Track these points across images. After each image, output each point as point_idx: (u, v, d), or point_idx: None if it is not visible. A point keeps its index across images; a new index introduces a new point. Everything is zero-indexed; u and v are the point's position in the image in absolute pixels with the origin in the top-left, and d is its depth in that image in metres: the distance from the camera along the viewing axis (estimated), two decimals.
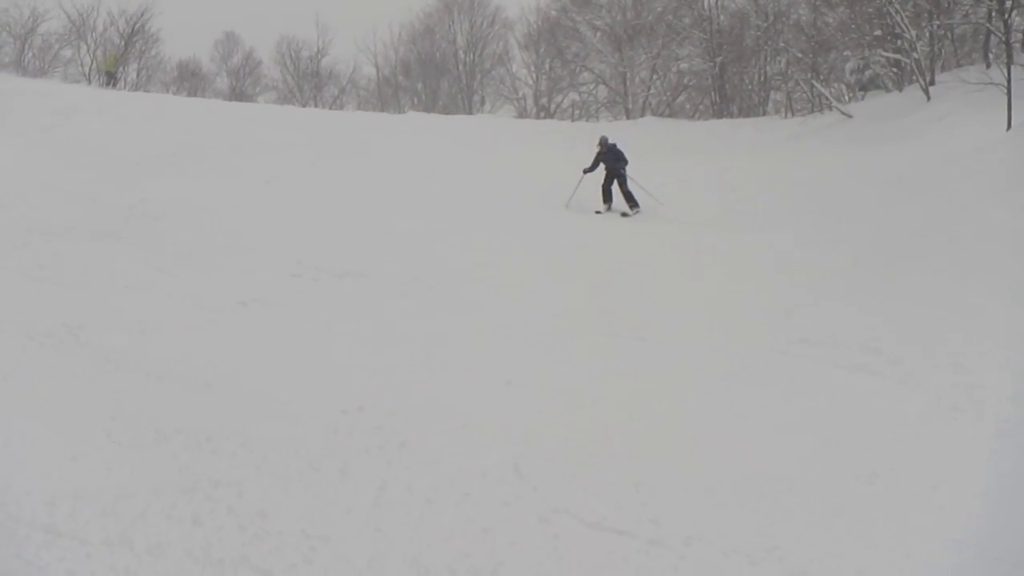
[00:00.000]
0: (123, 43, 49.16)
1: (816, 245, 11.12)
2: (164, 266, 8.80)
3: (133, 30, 51.16)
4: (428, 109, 39.80)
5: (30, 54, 51.95)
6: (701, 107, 33.01)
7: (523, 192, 14.89)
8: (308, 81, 52.11)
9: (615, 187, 15.62)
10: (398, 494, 4.68)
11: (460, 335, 7.80)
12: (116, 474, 4.48)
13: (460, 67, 46.50)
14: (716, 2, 31.29)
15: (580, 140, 19.63)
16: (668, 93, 34.36)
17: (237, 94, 49.49)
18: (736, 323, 8.53)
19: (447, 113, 36.41)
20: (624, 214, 15.24)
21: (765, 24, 28.28)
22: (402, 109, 40.52)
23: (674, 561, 4.21)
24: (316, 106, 46.14)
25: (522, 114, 41.62)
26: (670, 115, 31.80)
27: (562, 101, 41.51)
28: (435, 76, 46.89)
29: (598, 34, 35.60)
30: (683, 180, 16.42)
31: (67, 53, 53.08)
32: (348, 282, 9.13)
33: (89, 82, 41.52)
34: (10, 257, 8.11)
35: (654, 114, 31.54)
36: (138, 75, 49.88)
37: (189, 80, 51.12)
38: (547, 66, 41.72)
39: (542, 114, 40.33)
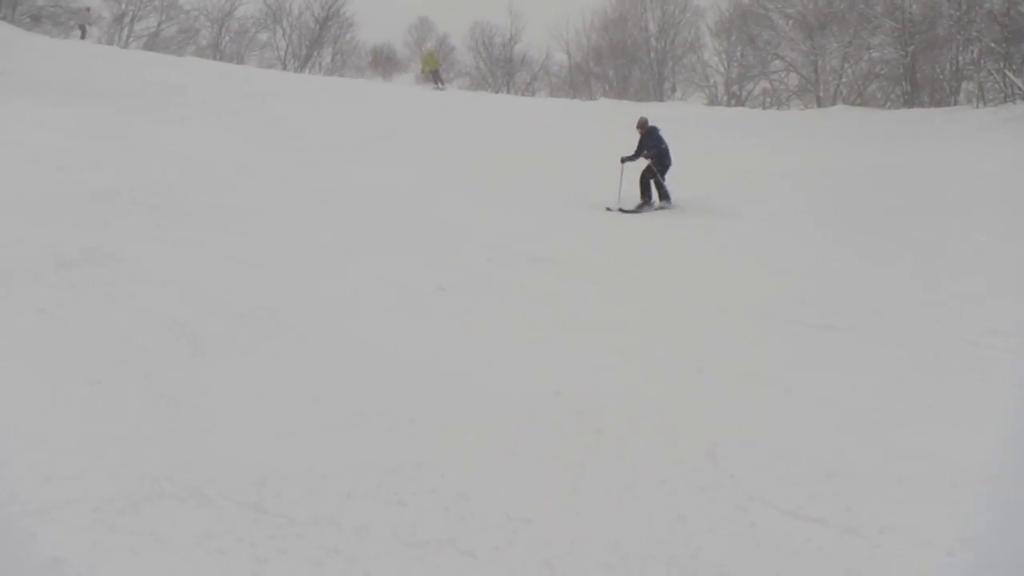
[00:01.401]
0: (318, 28, 52.67)
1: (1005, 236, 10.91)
2: (360, 250, 9.39)
3: (328, 15, 54.65)
4: (619, 96, 40.37)
5: (227, 38, 56.08)
6: (892, 96, 32.92)
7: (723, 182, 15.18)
8: (501, 67, 54.07)
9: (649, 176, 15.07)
10: (596, 479, 4.84)
11: (654, 322, 7.99)
12: (321, 455, 4.76)
13: (651, 54, 47.47)
14: None
15: (771, 129, 20.35)
16: (859, 82, 34.36)
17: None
18: (924, 311, 8.39)
19: (639, 100, 36.84)
20: (625, 210, 14.03)
21: (958, 13, 27.77)
22: (593, 96, 41.57)
23: (869, 550, 4.24)
24: (508, 92, 48.03)
25: (713, 101, 42.09)
26: (861, 104, 31.75)
27: (753, 89, 42.21)
28: (626, 63, 47.91)
29: (790, 22, 36.03)
30: (874, 168, 16.12)
31: (263, 37, 57.15)
32: (541, 268, 9.49)
33: (284, 67, 44.89)
34: (213, 239, 8.78)
35: (845, 103, 31.60)
36: (332, 60, 53.34)
37: (383, 65, 53.76)
38: (738, 53, 42.59)
39: (732, 101, 40.96)
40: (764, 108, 36.53)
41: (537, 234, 10.87)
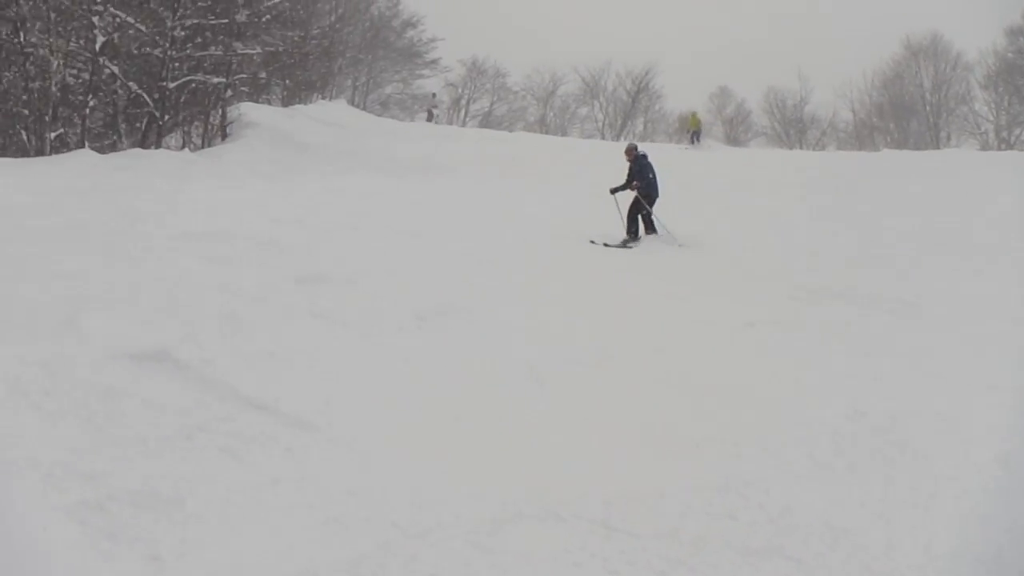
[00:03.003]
0: (630, 100, 60.55)
1: None
2: (678, 292, 10.58)
3: (639, 88, 62.90)
4: (900, 147, 48.01)
5: (551, 114, 64.97)
6: None
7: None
8: (793, 126, 63.95)
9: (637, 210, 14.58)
10: (903, 489, 5.27)
11: (945, 346, 8.54)
12: (657, 477, 5.23)
13: (927, 107, 57.95)
14: None
15: None
16: None
17: (731, 140, 59.88)
18: None
19: (917, 149, 42.86)
20: (608, 244, 14.12)
21: None
22: (877, 147, 48.61)
23: None
24: (800, 148, 56.70)
25: (984, 147, 49.82)
26: None
27: (1021, 134, 51.20)
28: (905, 116, 58.31)
29: None
30: None
31: (583, 111, 65.62)
32: (834, 303, 10.40)
33: (603, 137, 51.34)
34: (553, 289, 10.18)
35: None
36: (644, 128, 62.31)
37: (687, 131, 60.85)
38: (1006, 103, 52.67)
39: (1003, 146, 48.47)
40: None
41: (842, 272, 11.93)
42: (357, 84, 57.20)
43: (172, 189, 15.13)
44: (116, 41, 23.77)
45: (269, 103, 35.82)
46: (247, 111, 28.35)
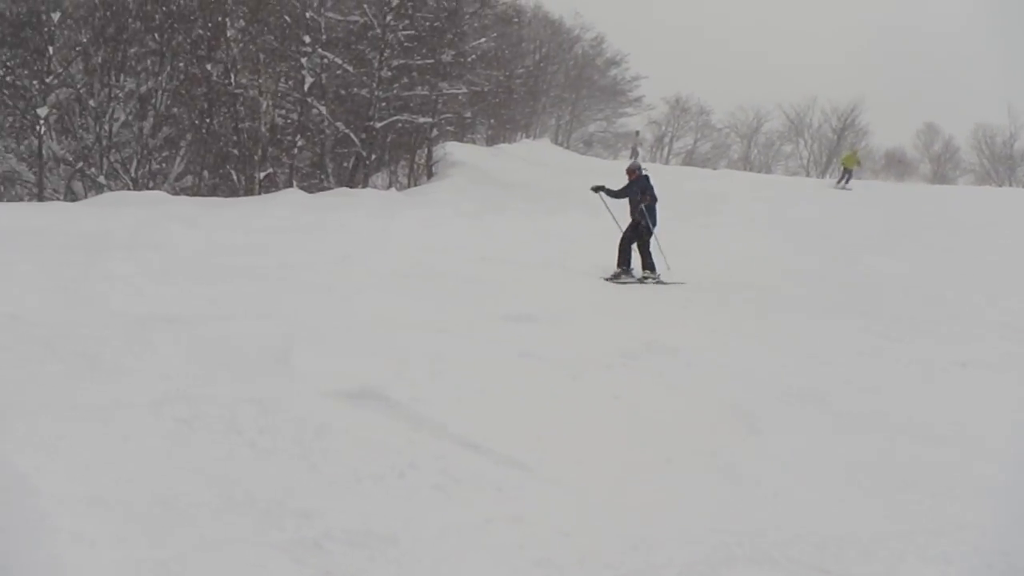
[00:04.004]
0: (836, 137, 60.88)
1: None
2: (887, 334, 10.55)
3: (844, 125, 62.81)
4: None
5: (755, 151, 66.04)
6: None
7: None
8: (1002, 163, 64.12)
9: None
10: None
11: None
12: (869, 519, 5.18)
13: None
14: None
15: None
16: None
17: (938, 177, 61.18)
18: None
19: None
20: (642, 279, 13.59)
21: None
22: None
23: None
24: (1011, 185, 56.60)
25: None
26: None
27: None
28: None
29: None
30: None
31: (787, 148, 66.53)
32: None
33: (807, 174, 52.04)
34: (750, 327, 10.20)
35: None
36: None
37: (895, 167, 61.15)
38: None
39: None
40: None
41: None
42: (561, 122, 58.92)
43: (379, 228, 15.71)
44: (324, 82, 24.90)
45: (474, 142, 36.91)
46: (452, 150, 29.25)
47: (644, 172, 14.51)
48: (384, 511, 4.64)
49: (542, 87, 49.56)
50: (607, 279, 13.41)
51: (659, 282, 13.45)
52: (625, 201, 14.15)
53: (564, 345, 8.46)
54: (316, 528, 4.33)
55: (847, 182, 33.47)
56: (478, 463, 5.44)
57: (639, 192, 13.92)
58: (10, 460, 4.62)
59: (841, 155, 40.10)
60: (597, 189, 14.18)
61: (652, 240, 13.84)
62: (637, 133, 54.75)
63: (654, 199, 13.97)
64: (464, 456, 5.52)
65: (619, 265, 13.73)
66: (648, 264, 13.73)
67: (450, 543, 4.41)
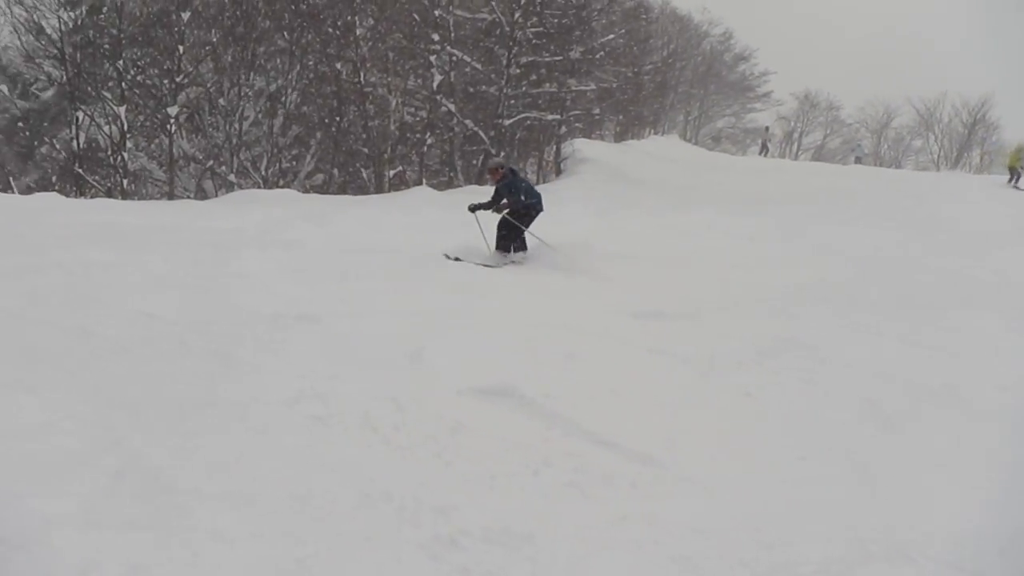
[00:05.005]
0: (966, 132, 59.38)
1: None
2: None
3: (975, 120, 61.23)
4: None
5: (885, 146, 65.08)
6: None
7: None
8: None
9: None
10: None
11: None
12: (1008, 515, 5.10)
13: None
14: None
15: None
16: None
17: None
18: None
19: None
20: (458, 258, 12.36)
21: None
22: None
23: None
24: None
25: None
26: None
27: None
28: None
29: None
30: None
31: (917, 143, 65.51)
32: None
33: (938, 169, 51.23)
34: (887, 326, 9.72)
35: None
36: (980, 160, 61.78)
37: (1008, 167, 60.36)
38: None
39: None
40: None
41: None
42: (689, 118, 59.10)
43: None
44: (453, 79, 25.13)
45: (602, 138, 36.96)
46: (581, 147, 29.32)
47: (510, 167, 13.19)
48: (519, 508, 4.63)
49: (670, 83, 49.59)
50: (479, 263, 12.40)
51: (511, 263, 12.65)
52: None
53: (694, 342, 8.37)
54: (452, 525, 4.33)
55: (1017, 181, 31.96)
56: (611, 460, 5.41)
57: (508, 193, 12.73)
58: (146, 454, 4.71)
59: (1007, 155, 38.40)
60: (473, 209, 13.02)
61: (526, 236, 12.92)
62: (767, 129, 55.28)
63: (520, 204, 12.75)
64: (597, 453, 5.49)
65: (507, 250, 12.85)
66: (508, 248, 12.85)
67: (586, 540, 4.39)
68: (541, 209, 12.98)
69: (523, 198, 12.65)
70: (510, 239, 12.83)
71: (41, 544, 3.75)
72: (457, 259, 12.34)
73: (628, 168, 27.91)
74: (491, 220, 13.06)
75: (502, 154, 23.27)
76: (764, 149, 49.35)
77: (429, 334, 7.63)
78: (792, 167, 37.55)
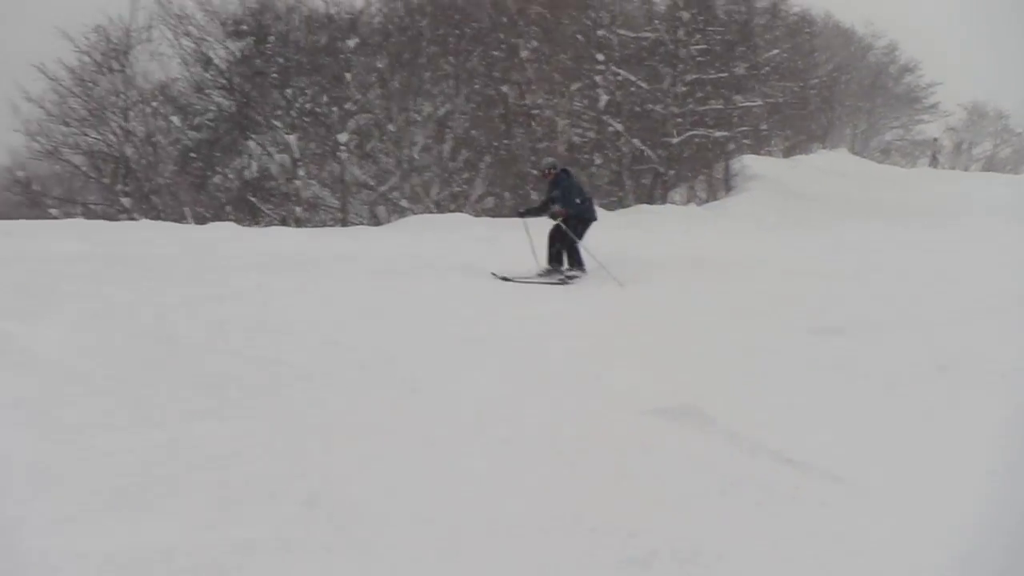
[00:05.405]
0: None
1: None
2: None
3: None
4: None
5: None
6: None
7: None
8: None
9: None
10: None
11: None
12: None
13: None
14: None
15: None
16: None
17: None
18: None
19: None
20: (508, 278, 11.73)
21: None
22: None
23: None
24: None
25: None
26: None
27: None
28: None
29: None
30: None
31: None
32: None
33: None
34: None
35: None
36: None
37: None
38: None
39: None
40: None
41: None
42: (856, 132, 58.26)
43: (684, 241, 15.68)
44: (619, 99, 25.18)
45: (770, 154, 36.67)
46: (749, 163, 29.16)
47: (562, 168, 12.89)
48: (708, 529, 4.58)
49: (837, 97, 48.98)
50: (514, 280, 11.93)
51: (565, 280, 12.22)
52: None
53: (874, 357, 8.16)
54: (643, 547, 4.30)
55: None
56: (798, 478, 5.30)
57: (562, 196, 12.34)
58: (335, 480, 4.84)
59: None
60: (522, 215, 12.93)
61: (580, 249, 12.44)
62: (935, 140, 54.31)
63: (570, 205, 12.33)
64: (783, 472, 5.40)
65: (549, 263, 12.53)
66: (561, 260, 12.50)
67: (777, 559, 4.33)
68: (595, 218, 12.65)
69: (578, 201, 12.34)
70: (565, 252, 12.49)
71: (240, 570, 3.88)
72: (505, 279, 11.82)
73: (798, 183, 27.64)
74: (542, 229, 12.76)
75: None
76: (934, 161, 48.40)
77: (606, 353, 7.64)
78: (963, 178, 36.64)
